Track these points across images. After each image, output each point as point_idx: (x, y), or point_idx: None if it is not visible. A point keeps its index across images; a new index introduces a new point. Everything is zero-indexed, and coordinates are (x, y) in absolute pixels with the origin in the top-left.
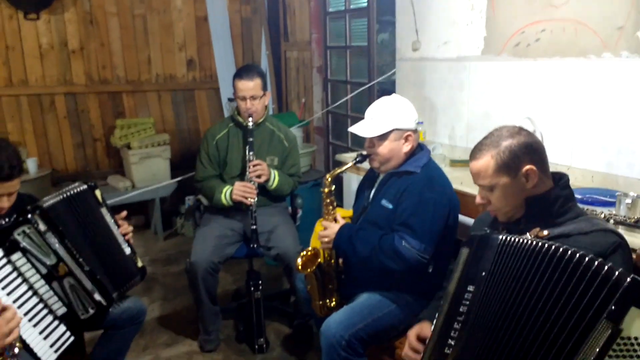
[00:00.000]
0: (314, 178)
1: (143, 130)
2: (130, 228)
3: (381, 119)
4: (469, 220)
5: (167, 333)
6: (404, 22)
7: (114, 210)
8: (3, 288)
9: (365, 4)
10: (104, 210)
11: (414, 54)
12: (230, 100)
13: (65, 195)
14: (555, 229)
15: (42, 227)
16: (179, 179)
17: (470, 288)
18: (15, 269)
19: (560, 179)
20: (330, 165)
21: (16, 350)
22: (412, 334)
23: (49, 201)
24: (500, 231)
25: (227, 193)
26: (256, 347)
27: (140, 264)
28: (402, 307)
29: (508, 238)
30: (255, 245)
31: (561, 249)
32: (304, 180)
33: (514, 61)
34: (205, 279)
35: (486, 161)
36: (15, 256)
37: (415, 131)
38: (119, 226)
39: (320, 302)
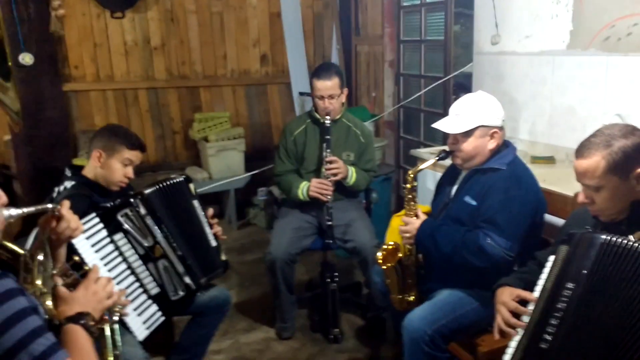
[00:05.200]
0: (385, 172)
1: (220, 124)
2: (219, 228)
3: (467, 115)
4: (553, 219)
5: (245, 320)
6: (483, 16)
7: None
8: (105, 265)
9: None
10: (195, 203)
11: (493, 47)
12: (301, 94)
13: (163, 184)
14: None
15: (142, 210)
16: (254, 172)
17: (570, 285)
18: (116, 248)
19: None
20: (400, 159)
21: (115, 317)
22: (505, 297)
23: (149, 189)
24: (600, 231)
25: (304, 189)
26: (331, 337)
27: (223, 257)
28: (485, 305)
29: (612, 239)
30: (331, 241)
31: None
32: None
33: (602, 56)
34: (283, 270)
35: (595, 161)
36: (117, 236)
37: (501, 128)
38: (208, 221)
39: (400, 297)
